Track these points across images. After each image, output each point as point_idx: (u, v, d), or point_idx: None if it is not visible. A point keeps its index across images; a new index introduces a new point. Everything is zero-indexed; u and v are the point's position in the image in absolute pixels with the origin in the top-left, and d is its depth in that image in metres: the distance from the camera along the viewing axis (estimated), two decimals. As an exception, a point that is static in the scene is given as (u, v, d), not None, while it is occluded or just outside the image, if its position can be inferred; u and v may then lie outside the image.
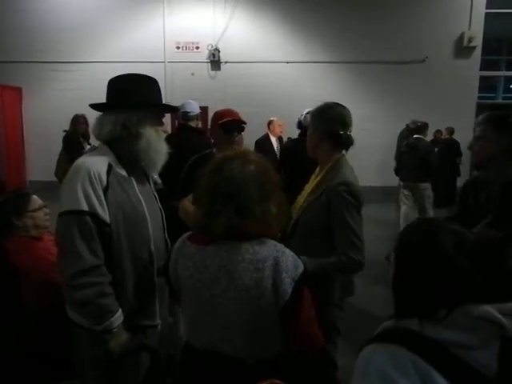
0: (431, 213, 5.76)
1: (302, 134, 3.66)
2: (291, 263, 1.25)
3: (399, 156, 6.36)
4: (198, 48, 9.54)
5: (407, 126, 8.72)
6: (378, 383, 0.90)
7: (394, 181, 9.15)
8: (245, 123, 2.41)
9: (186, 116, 3.55)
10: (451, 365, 0.90)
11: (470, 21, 9.28)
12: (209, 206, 1.26)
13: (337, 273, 1.91)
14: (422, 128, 6.14)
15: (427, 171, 5.70)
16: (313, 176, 2.13)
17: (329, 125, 1.97)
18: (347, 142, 2.00)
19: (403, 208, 5.85)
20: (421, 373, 0.89)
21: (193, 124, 3.59)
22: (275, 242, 1.30)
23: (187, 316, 1.36)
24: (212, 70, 9.63)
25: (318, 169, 2.12)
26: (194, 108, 3.63)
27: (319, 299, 1.94)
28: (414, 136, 6.01)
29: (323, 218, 1.88)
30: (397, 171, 6.35)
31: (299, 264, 1.28)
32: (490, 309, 0.91)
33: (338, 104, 2.05)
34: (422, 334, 0.95)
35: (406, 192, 5.80)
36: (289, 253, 1.29)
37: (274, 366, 1.30)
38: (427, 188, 5.80)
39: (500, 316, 0.90)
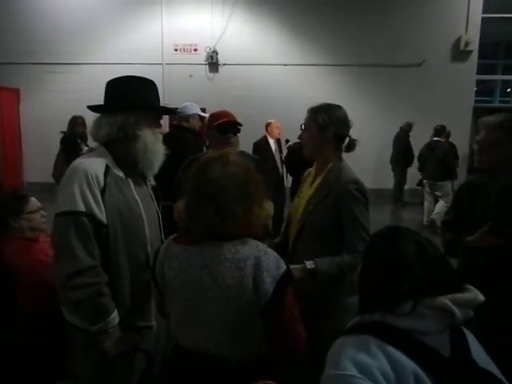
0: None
1: None
2: (273, 263, 1.26)
3: (420, 157, 7.04)
4: (195, 50, 9.55)
5: (401, 128, 8.79)
6: (350, 367, 0.98)
7: (388, 183, 9.22)
8: (240, 125, 2.41)
9: (178, 115, 3.65)
10: (413, 346, 1.02)
11: (467, 25, 9.32)
12: (192, 206, 1.28)
13: (352, 272, 1.91)
14: (440, 131, 6.90)
15: (445, 171, 6.27)
16: (308, 178, 2.11)
17: (339, 126, 1.96)
18: (352, 146, 2.01)
19: (426, 203, 6.81)
20: (387, 354, 0.99)
21: (185, 124, 3.62)
22: (257, 242, 1.31)
23: (173, 315, 1.37)
24: (210, 72, 9.63)
25: (312, 170, 2.10)
26: (187, 108, 3.68)
27: (329, 300, 1.95)
28: (434, 139, 6.81)
29: (331, 219, 1.88)
30: (420, 170, 7.14)
31: (281, 264, 1.29)
32: (446, 300, 1.03)
33: (337, 105, 2.05)
34: (385, 323, 1.05)
35: (428, 189, 6.71)
36: (271, 252, 1.30)
37: (258, 365, 1.30)
38: (445, 186, 6.55)
39: (454, 306, 1.02)
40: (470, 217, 2.05)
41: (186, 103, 3.74)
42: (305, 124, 2.10)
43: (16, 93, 9.58)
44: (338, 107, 2.03)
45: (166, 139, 1.84)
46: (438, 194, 6.67)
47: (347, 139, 2.01)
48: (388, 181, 9.20)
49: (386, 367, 0.97)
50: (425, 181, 6.82)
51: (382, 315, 1.07)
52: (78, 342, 1.64)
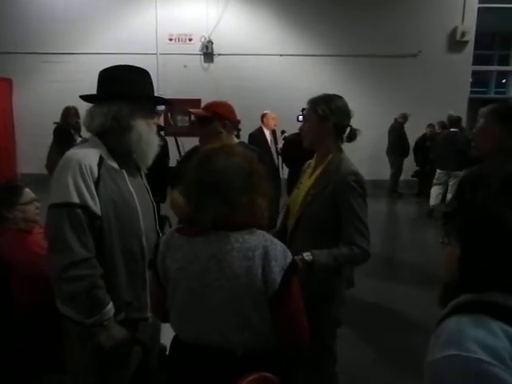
0: None
1: None
2: (280, 252, 1.28)
3: (435, 147, 7.20)
4: (190, 40, 9.46)
5: (396, 119, 8.80)
6: (477, 349, 0.89)
7: (385, 174, 9.24)
8: (210, 116, 2.28)
9: None
10: None
11: (463, 15, 9.30)
12: (196, 197, 1.28)
13: (349, 264, 1.91)
14: (456, 121, 6.96)
15: (463, 161, 6.22)
16: (308, 169, 2.11)
17: (339, 117, 1.95)
18: (353, 136, 2.01)
19: (434, 189, 7.08)
20: (509, 336, 0.92)
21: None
22: (263, 232, 1.32)
23: (175, 308, 1.36)
24: (205, 62, 9.56)
25: (313, 161, 2.09)
26: None
27: (327, 293, 1.96)
28: (451, 129, 6.90)
29: (329, 210, 1.88)
30: (433, 161, 7.27)
31: (288, 254, 1.30)
32: None
33: (337, 95, 2.03)
34: (504, 304, 0.98)
35: (441, 178, 6.91)
36: (277, 242, 1.31)
37: (264, 357, 1.31)
38: (461, 175, 6.50)
39: None
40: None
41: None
42: (305, 115, 2.08)
43: (8, 83, 9.46)
44: (339, 97, 2.01)
45: None
46: (451, 183, 6.74)
47: (348, 129, 1.99)
48: (384, 171, 9.23)
49: (511, 351, 0.90)
50: (439, 171, 6.94)
51: (505, 296, 0.99)
52: (74, 334, 1.64)
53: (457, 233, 1.23)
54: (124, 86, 1.63)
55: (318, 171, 1.99)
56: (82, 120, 1.82)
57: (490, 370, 0.84)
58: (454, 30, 9.30)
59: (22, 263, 1.99)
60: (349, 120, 1.98)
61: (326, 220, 1.89)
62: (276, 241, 1.31)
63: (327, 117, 1.92)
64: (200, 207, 1.27)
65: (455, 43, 9.36)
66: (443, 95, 9.08)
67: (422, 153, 8.47)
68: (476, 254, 1.08)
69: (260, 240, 1.28)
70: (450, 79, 9.20)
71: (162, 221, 3.45)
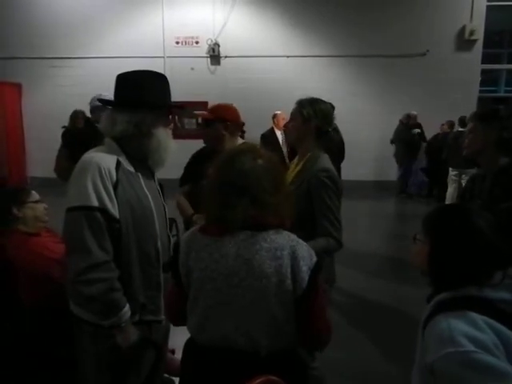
0: None
1: None
2: (306, 252, 1.30)
3: (448, 146, 7.29)
4: (197, 43, 9.49)
5: (400, 121, 8.75)
6: (467, 343, 1.02)
7: (392, 175, 9.19)
8: (213, 119, 2.39)
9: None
10: (510, 317, 1.09)
11: (472, 14, 9.21)
12: (223, 198, 1.29)
13: (323, 255, 1.96)
14: (466, 121, 6.95)
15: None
16: (292, 165, 2.21)
17: (321, 120, 2.09)
18: (328, 139, 2.14)
19: (450, 189, 7.11)
20: (493, 328, 1.06)
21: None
22: (289, 232, 1.34)
23: (198, 309, 1.34)
24: (212, 64, 9.58)
25: (296, 159, 2.22)
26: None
27: None
28: (459, 129, 7.07)
29: (302, 206, 1.95)
30: (446, 160, 7.35)
31: (312, 253, 1.32)
32: None
33: (323, 100, 2.17)
34: (482, 297, 1.12)
35: (453, 177, 7.00)
36: (302, 242, 1.33)
37: (285, 358, 1.32)
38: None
39: None
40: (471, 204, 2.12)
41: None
42: (291, 114, 2.24)
43: (18, 87, 9.58)
44: (324, 102, 2.16)
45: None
46: (463, 181, 6.81)
47: (330, 134, 2.15)
48: (391, 172, 9.18)
49: (495, 340, 1.03)
50: (451, 169, 7.02)
51: (478, 289, 1.13)
52: (86, 335, 1.64)
53: (426, 230, 1.30)
54: (150, 95, 1.64)
55: (297, 168, 2.13)
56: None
57: (476, 357, 1.01)
58: (463, 29, 9.21)
59: (29, 265, 2.00)
60: (330, 125, 2.13)
61: (302, 214, 1.92)
62: (301, 241, 1.33)
63: (310, 118, 2.08)
64: (228, 208, 1.27)
65: (464, 42, 9.27)
66: (452, 94, 9.00)
67: (434, 153, 8.43)
68: (447, 251, 1.20)
69: (287, 240, 1.30)
70: (459, 78, 9.11)
71: (170, 223, 3.46)
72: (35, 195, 2.19)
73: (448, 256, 1.19)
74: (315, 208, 1.98)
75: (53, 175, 5.38)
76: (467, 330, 1.05)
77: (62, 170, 4.18)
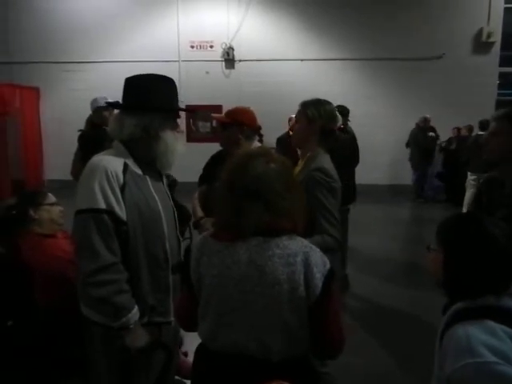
0: None
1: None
2: (320, 259, 1.28)
3: (467, 150, 7.21)
4: (212, 47, 9.55)
5: (417, 124, 8.65)
6: (487, 353, 0.99)
7: (407, 179, 9.09)
8: (229, 122, 2.39)
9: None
10: None
11: (489, 15, 9.09)
12: (235, 203, 1.27)
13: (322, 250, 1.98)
14: (486, 124, 6.87)
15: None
16: (296, 167, 2.21)
17: (326, 120, 2.11)
18: (334, 139, 2.16)
19: (468, 193, 6.95)
20: (511, 337, 1.04)
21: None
22: (302, 238, 1.32)
23: (209, 315, 1.33)
24: (226, 68, 9.63)
25: (300, 160, 2.23)
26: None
27: None
28: (479, 132, 7.02)
29: None
30: (466, 163, 7.23)
31: (325, 260, 1.30)
32: None
33: (327, 101, 2.18)
34: (500, 306, 1.10)
35: (472, 181, 6.81)
36: (316, 248, 1.31)
37: (297, 365, 1.31)
38: None
39: None
40: (488, 211, 2.04)
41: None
42: (296, 116, 2.27)
43: (36, 91, 9.76)
44: (328, 103, 2.17)
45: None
46: None
47: (335, 134, 2.17)
48: (407, 176, 9.08)
49: None
50: (470, 173, 6.90)
51: (495, 298, 1.12)
52: (97, 337, 1.65)
53: (440, 239, 1.27)
54: (157, 99, 1.65)
55: (298, 168, 2.15)
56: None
57: (498, 368, 0.96)
58: (480, 31, 9.09)
59: (44, 266, 2.02)
60: (335, 125, 2.14)
61: None
62: (314, 247, 1.31)
63: (315, 119, 2.10)
64: (240, 213, 1.26)
65: (481, 44, 9.15)
66: (469, 98, 8.86)
67: (449, 157, 8.32)
68: (461, 260, 1.18)
69: (300, 246, 1.28)
70: (476, 82, 8.98)
71: (184, 226, 3.47)
72: (51, 198, 2.22)
73: (463, 265, 1.17)
74: (312, 206, 1.93)
75: (69, 177, 5.45)
76: (485, 338, 1.02)
77: (78, 173, 4.24)
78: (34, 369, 2.02)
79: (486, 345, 1.00)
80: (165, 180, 1.87)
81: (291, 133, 5.97)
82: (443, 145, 8.72)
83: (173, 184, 3.25)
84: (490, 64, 9.17)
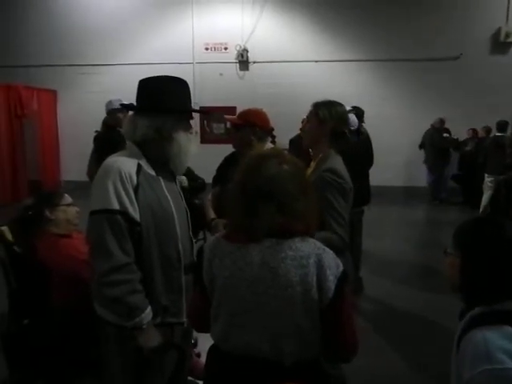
0: None
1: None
2: (333, 261, 1.27)
3: (485, 152, 7.13)
4: (226, 48, 9.60)
5: (432, 126, 8.55)
6: (505, 357, 0.98)
7: (421, 180, 8.98)
8: (241, 124, 2.42)
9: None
10: None
11: (507, 15, 8.94)
12: (248, 204, 1.27)
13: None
14: (504, 126, 7.05)
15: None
16: (309, 169, 2.21)
17: (337, 122, 2.12)
18: (344, 141, 2.16)
19: (485, 196, 6.83)
20: None
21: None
22: (314, 240, 1.31)
23: (222, 317, 1.33)
24: (240, 70, 9.66)
25: (312, 162, 2.24)
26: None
27: None
28: (497, 134, 6.97)
29: None
30: (483, 165, 7.17)
31: (338, 262, 1.28)
32: None
33: (339, 102, 2.19)
34: None
35: (489, 183, 6.74)
36: (329, 250, 1.30)
37: (312, 367, 1.30)
38: None
39: None
40: (506, 213, 2.01)
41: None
42: (307, 117, 2.28)
43: (54, 94, 9.92)
44: (339, 104, 2.18)
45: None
46: None
47: (346, 135, 2.17)
48: (420, 177, 8.97)
49: None
50: (487, 175, 6.81)
51: None
52: (111, 337, 1.67)
53: (457, 243, 1.25)
54: (170, 100, 1.66)
55: (310, 169, 2.15)
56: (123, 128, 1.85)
57: None
58: (498, 31, 8.94)
59: (60, 266, 2.05)
60: (346, 126, 2.15)
61: None
62: (328, 249, 1.30)
63: (326, 120, 2.11)
64: (253, 215, 1.25)
65: (499, 44, 9.00)
66: (487, 99, 8.71)
67: (465, 158, 8.20)
68: (479, 264, 1.16)
69: (312, 248, 1.27)
70: (494, 82, 8.83)
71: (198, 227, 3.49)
72: (68, 198, 2.25)
73: (480, 269, 1.15)
74: (322, 207, 1.94)
75: (85, 178, 5.53)
76: (503, 343, 1.00)
77: (94, 174, 4.31)
78: (48, 367, 2.05)
79: (504, 350, 0.99)
80: (178, 180, 1.89)
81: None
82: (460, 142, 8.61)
83: (201, 187, 3.27)
84: (508, 64, 9.00)
